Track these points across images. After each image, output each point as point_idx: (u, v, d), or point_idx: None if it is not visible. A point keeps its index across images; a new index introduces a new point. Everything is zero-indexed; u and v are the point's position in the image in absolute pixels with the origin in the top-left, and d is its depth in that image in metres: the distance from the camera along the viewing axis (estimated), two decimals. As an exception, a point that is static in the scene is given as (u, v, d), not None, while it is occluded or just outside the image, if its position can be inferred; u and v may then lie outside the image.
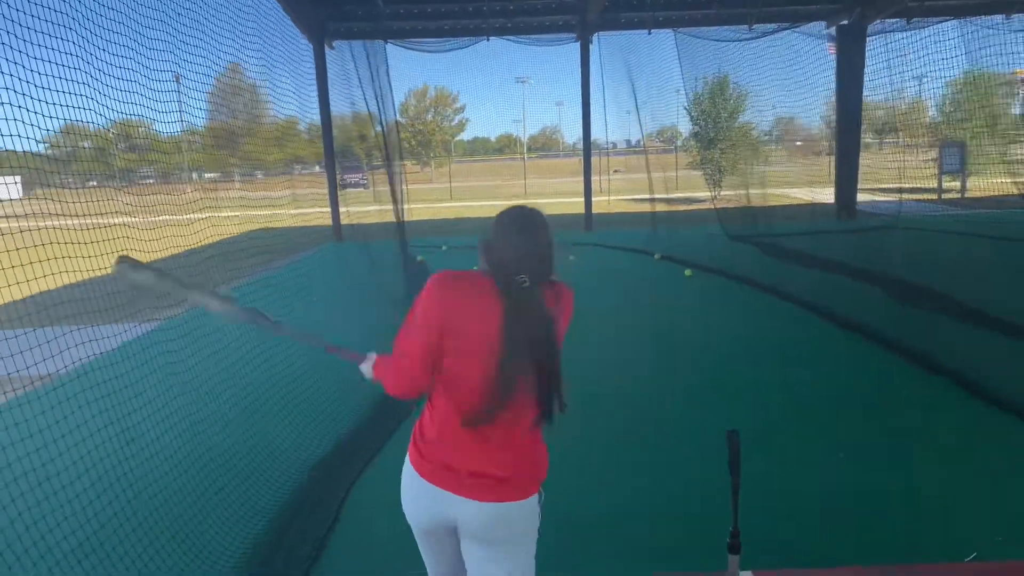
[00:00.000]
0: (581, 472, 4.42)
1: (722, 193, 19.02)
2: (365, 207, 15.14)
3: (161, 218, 5.70)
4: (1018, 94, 17.31)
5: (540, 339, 2.02)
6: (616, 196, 23.51)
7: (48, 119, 3.61)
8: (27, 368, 3.46)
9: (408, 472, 2.15)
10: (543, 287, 2.08)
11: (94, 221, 4.35)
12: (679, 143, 27.62)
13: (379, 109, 13.43)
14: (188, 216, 6.23)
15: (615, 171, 35.39)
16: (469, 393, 2.02)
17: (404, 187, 13.76)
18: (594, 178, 19.21)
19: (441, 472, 2.08)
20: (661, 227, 16.20)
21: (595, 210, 18.49)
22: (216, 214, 7.08)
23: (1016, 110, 17.84)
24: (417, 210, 22.61)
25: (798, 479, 4.22)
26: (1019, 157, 12.98)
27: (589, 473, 4.42)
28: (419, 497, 2.13)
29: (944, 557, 3.31)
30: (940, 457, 4.44)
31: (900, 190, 14.89)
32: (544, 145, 64.47)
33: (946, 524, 3.62)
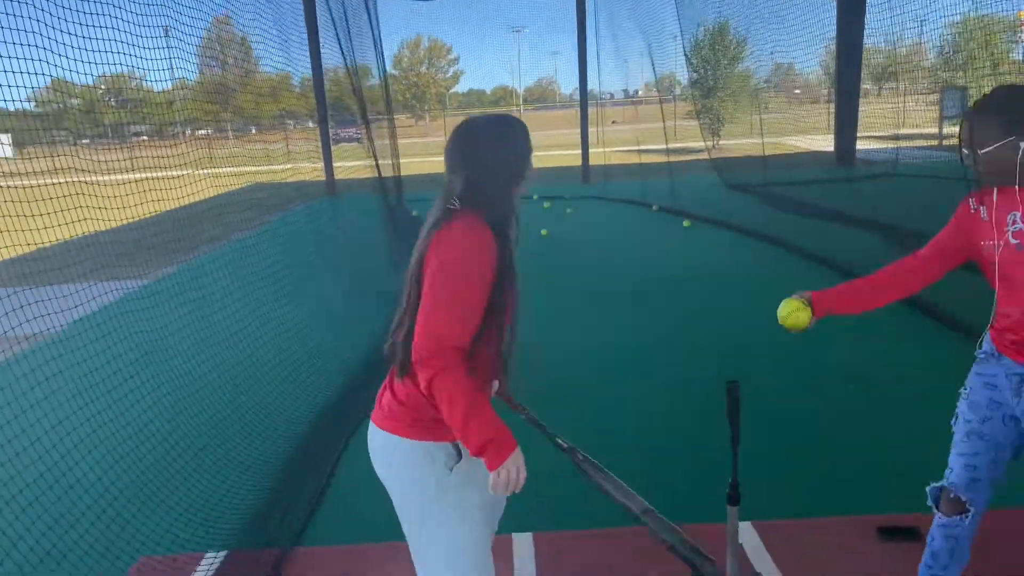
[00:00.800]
0: (576, 426, 4.44)
1: (720, 142, 18.84)
2: (359, 161, 15.00)
3: (155, 174, 5.65)
4: (1020, 37, 17.04)
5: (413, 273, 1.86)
6: (613, 148, 23.28)
7: (34, 76, 3.52)
8: (12, 329, 3.44)
9: None
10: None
11: (88, 179, 4.31)
12: (678, 92, 27.24)
13: (376, 59, 13.22)
14: (183, 172, 6.17)
15: (612, 122, 35.02)
16: None
17: (393, 142, 13.58)
18: (591, 129, 19.01)
19: None
20: (659, 178, 16.08)
21: (592, 162, 18.34)
22: (210, 170, 7.01)
23: (1018, 55, 17.59)
24: (412, 164, 22.41)
25: (799, 428, 4.24)
26: None
27: (586, 426, 4.43)
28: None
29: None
30: (940, 405, 4.45)
31: (899, 137, 14.76)
32: (540, 97, 63.63)
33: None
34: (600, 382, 5.14)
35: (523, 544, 3.17)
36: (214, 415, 4.48)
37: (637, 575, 2.92)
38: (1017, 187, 2.10)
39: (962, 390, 2.51)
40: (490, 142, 1.88)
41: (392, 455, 1.92)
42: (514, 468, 1.76)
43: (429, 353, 1.70)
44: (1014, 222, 2.12)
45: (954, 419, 2.51)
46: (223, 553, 3.22)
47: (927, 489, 2.54)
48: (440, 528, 1.91)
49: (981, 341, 2.44)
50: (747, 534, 3.13)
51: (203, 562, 3.17)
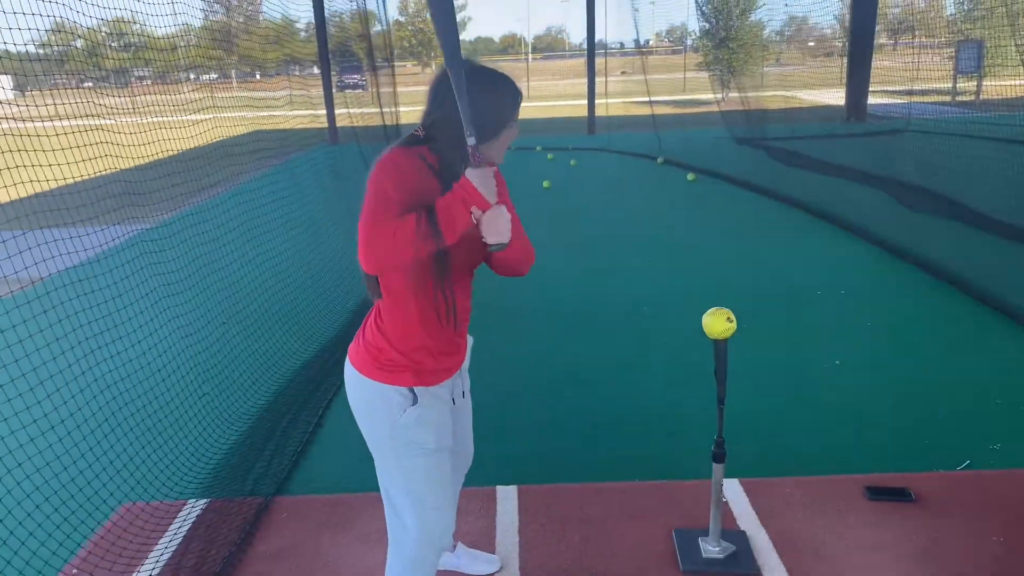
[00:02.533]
0: (568, 378, 4.48)
1: (730, 95, 18.56)
2: (363, 109, 14.83)
3: (158, 119, 5.61)
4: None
5: None
6: (621, 99, 22.95)
7: (37, 17, 3.47)
8: (15, 272, 3.43)
9: None
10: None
11: (89, 123, 4.27)
12: (689, 42, 26.75)
13: (378, 4, 12.98)
14: (188, 117, 6.13)
15: (621, 72, 34.49)
16: None
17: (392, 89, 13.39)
18: (598, 79, 18.72)
19: None
20: (665, 131, 15.90)
21: (598, 113, 18.12)
22: (215, 115, 6.95)
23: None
24: (417, 113, 22.12)
25: (792, 386, 4.27)
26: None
27: (577, 379, 4.47)
28: None
29: (939, 465, 3.32)
30: (939, 364, 4.47)
31: (912, 92, 14.52)
32: (549, 46, 62.56)
33: (942, 431, 3.63)
34: (594, 331, 5.17)
35: (507, 496, 3.19)
36: (204, 362, 4.49)
37: (621, 529, 2.94)
38: None
39: None
40: (472, 90, 1.77)
41: (355, 390, 2.04)
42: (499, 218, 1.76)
43: (364, 253, 1.74)
44: None
45: None
46: (204, 501, 3.25)
47: None
48: (397, 465, 2.03)
49: None
50: (732, 491, 3.14)
51: (184, 509, 3.19)
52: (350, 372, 2.04)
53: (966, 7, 15.89)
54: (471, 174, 1.74)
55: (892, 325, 5.09)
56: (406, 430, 1.98)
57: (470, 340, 2.18)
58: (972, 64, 19.11)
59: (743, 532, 2.87)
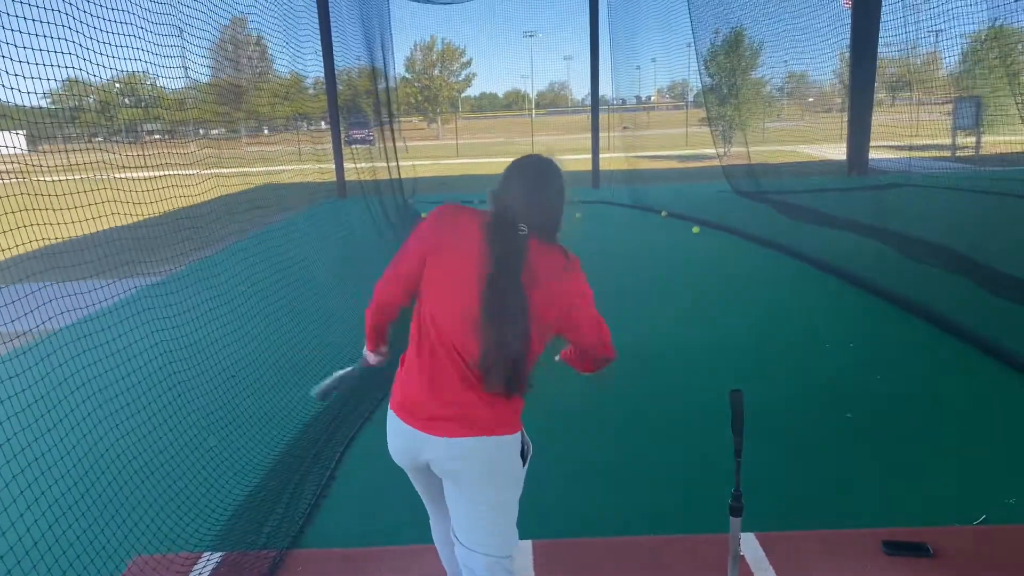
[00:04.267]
0: (581, 430, 4.43)
1: (732, 150, 18.79)
2: (371, 163, 15.06)
3: (166, 173, 5.67)
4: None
5: (514, 307, 1.93)
6: (624, 153, 23.28)
7: (50, 67, 3.54)
8: (32, 328, 3.44)
9: (389, 412, 2.15)
10: (542, 242, 2.02)
11: (101, 176, 4.33)
12: (691, 98, 27.21)
13: (384, 63, 13.27)
14: (194, 171, 6.20)
15: (624, 127, 35.01)
16: (445, 329, 2.02)
17: (402, 143, 13.66)
18: (602, 134, 18.99)
19: (410, 409, 2.07)
20: (670, 184, 16.05)
21: (603, 167, 18.33)
22: (222, 170, 7.04)
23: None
24: (422, 167, 22.42)
25: (805, 442, 4.21)
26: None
27: (589, 431, 4.42)
28: (396, 435, 2.13)
29: (955, 520, 3.27)
30: (952, 418, 4.41)
31: (912, 147, 14.68)
32: (552, 101, 63.65)
33: (957, 486, 3.58)
34: (604, 383, 5.12)
35: (522, 551, 3.13)
36: (215, 414, 4.46)
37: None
38: None
39: None
40: (558, 192, 2.09)
41: (494, 452, 2.07)
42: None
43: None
44: None
45: None
46: (219, 554, 3.20)
47: None
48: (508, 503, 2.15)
49: None
50: (749, 545, 3.09)
51: (199, 563, 3.15)
52: (506, 441, 2.04)
53: (964, 65, 16.16)
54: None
55: (902, 378, 5.03)
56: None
57: (529, 447, 2.15)
58: (970, 120, 19.35)
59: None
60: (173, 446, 4.02)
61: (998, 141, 11.70)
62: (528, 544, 3.17)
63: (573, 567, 3.03)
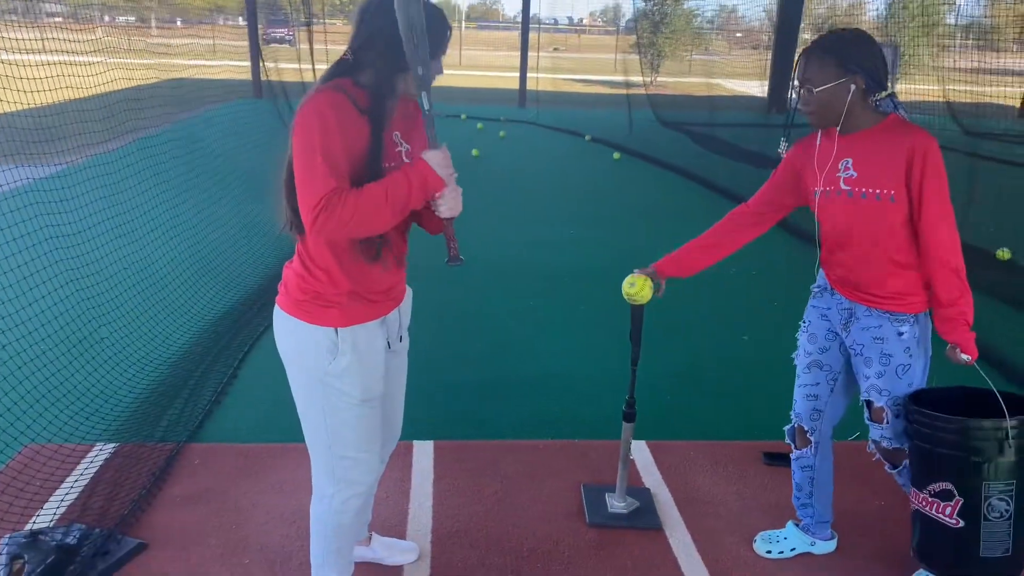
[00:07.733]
0: (488, 343, 4.55)
1: (658, 79, 18.87)
2: (288, 64, 14.43)
3: (66, 58, 5.31)
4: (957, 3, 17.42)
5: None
6: (552, 75, 23.00)
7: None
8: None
9: None
10: None
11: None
12: (623, 24, 26.99)
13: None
14: (97, 59, 5.83)
15: (554, 48, 34.55)
16: None
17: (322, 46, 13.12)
18: (531, 54, 18.72)
19: None
20: (596, 109, 16.05)
21: (529, 87, 18.12)
22: (129, 60, 6.65)
23: (951, 19, 18.01)
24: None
25: (701, 360, 4.43)
26: (950, 66, 13.25)
27: (496, 344, 4.54)
28: None
29: (834, 437, 3.53)
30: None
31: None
32: (484, 15, 61.91)
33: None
34: (514, 298, 5.23)
35: (423, 451, 3.24)
36: (119, 308, 4.35)
37: (532, 484, 3.02)
38: (839, 131, 2.15)
39: (801, 323, 2.60)
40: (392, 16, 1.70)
41: (283, 334, 1.95)
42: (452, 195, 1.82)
43: (313, 219, 1.68)
44: (846, 168, 2.16)
45: (795, 353, 2.61)
46: (113, 445, 3.17)
47: (784, 429, 2.65)
48: (322, 416, 1.96)
49: (816, 276, 2.52)
50: (640, 453, 3.28)
51: (91, 452, 3.11)
52: (277, 315, 1.95)
53: (889, 11, 16.56)
54: (431, 157, 1.76)
55: (799, 305, 5.32)
56: (334, 379, 1.90)
57: (409, 291, 2.14)
58: (889, 66, 19.87)
59: (647, 489, 3.00)
60: (67, 340, 3.88)
61: (911, 89, 12.15)
62: (429, 444, 3.28)
63: (471, 466, 3.14)
